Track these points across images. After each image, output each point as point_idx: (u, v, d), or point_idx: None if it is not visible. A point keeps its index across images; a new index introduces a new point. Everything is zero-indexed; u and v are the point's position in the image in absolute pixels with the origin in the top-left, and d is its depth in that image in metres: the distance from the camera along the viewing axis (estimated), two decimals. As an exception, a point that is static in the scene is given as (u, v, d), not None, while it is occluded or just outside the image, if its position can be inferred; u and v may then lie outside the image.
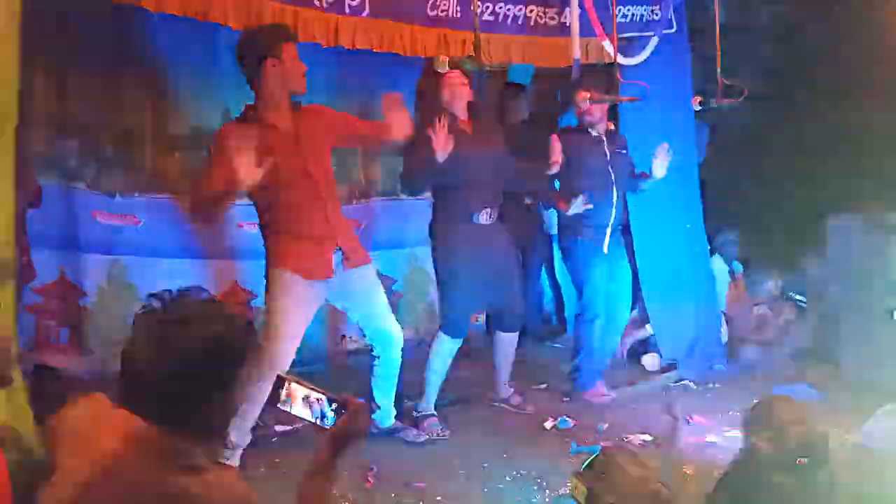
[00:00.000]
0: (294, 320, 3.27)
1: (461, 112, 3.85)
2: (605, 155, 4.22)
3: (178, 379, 1.53)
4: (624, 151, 4.32)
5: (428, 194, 4.20)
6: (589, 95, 3.99)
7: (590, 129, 4.24)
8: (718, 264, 5.28)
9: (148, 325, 1.56)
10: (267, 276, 3.31)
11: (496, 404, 4.24)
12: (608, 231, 4.20)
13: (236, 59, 3.27)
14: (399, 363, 3.66)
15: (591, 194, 4.07)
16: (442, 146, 3.54)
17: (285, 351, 3.22)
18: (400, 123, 3.36)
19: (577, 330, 4.35)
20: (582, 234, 4.22)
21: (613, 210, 4.20)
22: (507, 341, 4.17)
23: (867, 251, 4.47)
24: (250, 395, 3.12)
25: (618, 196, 4.22)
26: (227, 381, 1.61)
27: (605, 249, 4.20)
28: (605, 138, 4.23)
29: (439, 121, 3.57)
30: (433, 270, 4.03)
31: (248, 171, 2.92)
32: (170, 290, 1.60)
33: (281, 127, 3.26)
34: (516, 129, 5.09)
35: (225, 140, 3.11)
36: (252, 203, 3.37)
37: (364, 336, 3.71)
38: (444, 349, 3.92)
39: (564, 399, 4.36)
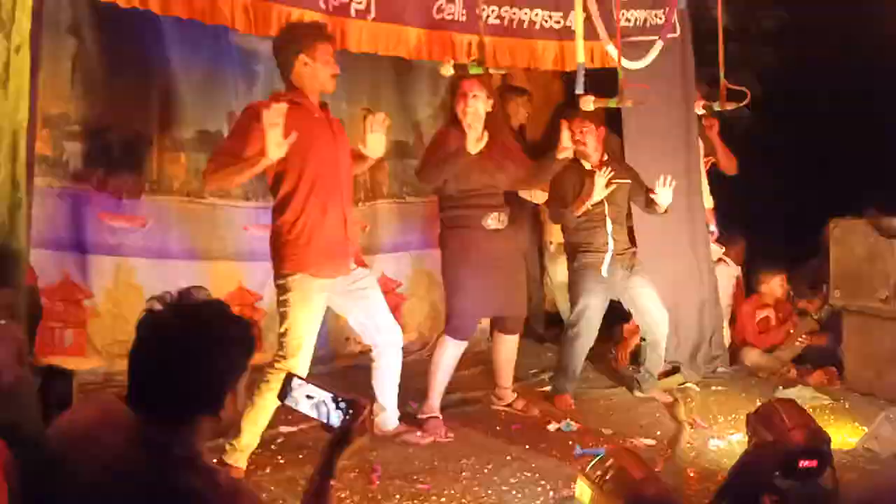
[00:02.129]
0: (313, 328, 3.28)
1: (477, 124, 3.77)
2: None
3: (183, 378, 1.55)
4: (624, 180, 4.34)
5: (434, 198, 4.20)
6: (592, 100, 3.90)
7: (581, 161, 4.29)
8: (723, 267, 5.28)
9: (152, 326, 1.57)
10: (280, 281, 3.27)
11: (499, 408, 4.24)
12: (606, 257, 4.26)
13: (273, 52, 3.32)
14: (399, 365, 3.66)
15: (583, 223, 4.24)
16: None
17: (306, 358, 3.25)
18: (375, 146, 3.40)
19: (561, 342, 4.49)
20: (578, 259, 4.33)
21: (609, 238, 4.26)
22: (509, 344, 4.18)
23: (871, 255, 4.47)
24: (267, 400, 3.15)
25: (617, 225, 4.29)
26: (232, 380, 1.63)
27: (604, 273, 4.26)
28: (598, 170, 4.24)
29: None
30: (440, 273, 4.04)
31: (278, 141, 2.96)
32: (170, 292, 1.62)
33: (314, 112, 3.30)
34: (515, 133, 5.11)
35: (256, 110, 3.09)
36: (271, 192, 3.34)
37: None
38: (449, 352, 3.93)
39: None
